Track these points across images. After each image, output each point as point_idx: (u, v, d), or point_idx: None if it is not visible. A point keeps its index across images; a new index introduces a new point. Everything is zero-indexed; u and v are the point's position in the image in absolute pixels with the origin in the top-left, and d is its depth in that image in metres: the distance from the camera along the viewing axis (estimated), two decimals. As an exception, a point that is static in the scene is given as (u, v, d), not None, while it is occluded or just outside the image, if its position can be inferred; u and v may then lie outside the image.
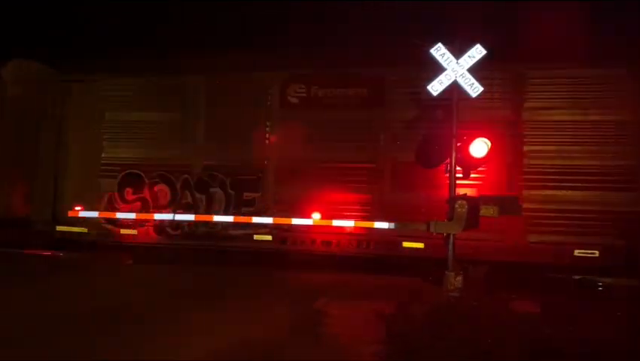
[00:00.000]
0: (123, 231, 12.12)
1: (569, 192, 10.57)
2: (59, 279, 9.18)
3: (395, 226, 9.89)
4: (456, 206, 8.59)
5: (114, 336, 5.89)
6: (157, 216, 11.76)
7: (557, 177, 10.65)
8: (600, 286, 9.69)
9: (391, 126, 11.55)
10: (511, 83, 11.11)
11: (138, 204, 12.22)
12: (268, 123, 12.07)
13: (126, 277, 10.00)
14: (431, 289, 8.51)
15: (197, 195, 11.98)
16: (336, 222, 10.50)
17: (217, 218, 11.27)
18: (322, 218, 10.48)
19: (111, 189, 12.43)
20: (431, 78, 8.81)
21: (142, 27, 11.95)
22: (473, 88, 8.74)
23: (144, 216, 11.87)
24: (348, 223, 10.52)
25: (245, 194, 11.78)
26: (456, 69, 8.76)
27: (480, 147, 8.89)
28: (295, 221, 10.77)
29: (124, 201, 12.29)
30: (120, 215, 11.86)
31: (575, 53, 9.89)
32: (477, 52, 8.75)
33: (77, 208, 11.63)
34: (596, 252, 10.13)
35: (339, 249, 11.10)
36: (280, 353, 5.61)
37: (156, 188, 12.21)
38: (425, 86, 8.90)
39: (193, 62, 11.80)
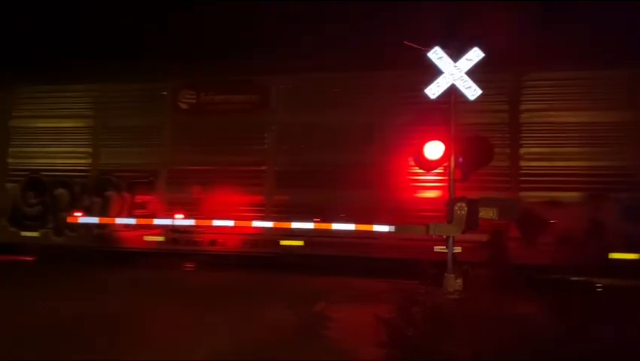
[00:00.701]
0: (24, 233, 12.60)
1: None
2: None
3: (395, 228, 9.92)
4: (456, 208, 8.62)
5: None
6: (157, 222, 11.75)
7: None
8: (599, 287, 9.73)
9: (277, 130, 11.96)
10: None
11: (40, 207, 12.73)
12: (161, 129, 12.50)
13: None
14: (431, 292, 8.52)
15: (94, 199, 12.33)
16: (335, 225, 10.57)
17: (216, 223, 11.23)
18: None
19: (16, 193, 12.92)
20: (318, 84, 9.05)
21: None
22: (472, 91, 8.77)
23: (144, 221, 11.86)
24: (349, 226, 10.53)
25: (139, 197, 12.18)
26: (454, 72, 8.80)
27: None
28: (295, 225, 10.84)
29: (27, 204, 12.76)
30: (119, 220, 11.86)
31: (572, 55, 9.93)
32: (475, 55, 8.79)
33: (77, 214, 11.64)
34: None
35: (225, 248, 11.60)
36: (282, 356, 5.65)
37: (56, 192, 12.58)
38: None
39: (89, 69, 12.14)
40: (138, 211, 12.06)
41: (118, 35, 12.23)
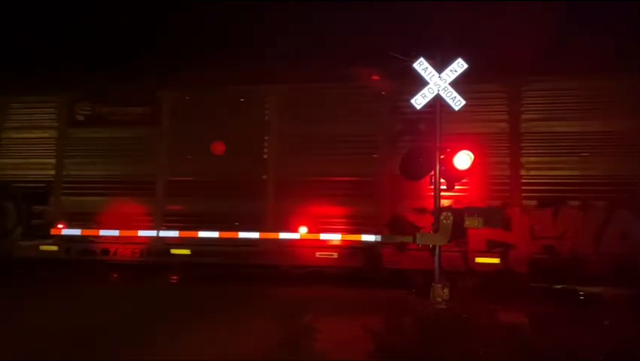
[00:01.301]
0: None
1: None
2: None
3: (382, 238, 9.95)
4: (442, 218, 8.69)
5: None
6: (141, 233, 11.60)
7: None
8: (581, 295, 9.83)
9: (168, 142, 12.13)
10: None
11: None
12: (58, 141, 12.58)
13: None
14: (418, 302, 8.54)
15: None
16: (323, 235, 10.57)
17: (201, 234, 11.14)
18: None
19: None
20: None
21: None
22: (456, 101, 8.88)
23: (127, 233, 11.70)
24: (335, 236, 10.53)
25: (35, 207, 12.17)
26: (439, 83, 8.90)
27: (463, 160, 8.99)
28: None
29: None
30: (103, 232, 11.68)
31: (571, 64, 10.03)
32: (459, 66, 8.92)
33: (60, 226, 11.46)
34: None
35: (116, 258, 11.76)
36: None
37: None
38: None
39: None
40: (34, 221, 12.08)
41: (14, 46, 12.52)
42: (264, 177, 11.52)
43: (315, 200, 11.03)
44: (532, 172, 10.57)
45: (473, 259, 10.30)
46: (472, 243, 10.14)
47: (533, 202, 10.39)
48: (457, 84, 8.97)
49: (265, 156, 11.64)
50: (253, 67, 11.23)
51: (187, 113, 12.12)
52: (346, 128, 11.20)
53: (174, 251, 11.48)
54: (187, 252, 11.42)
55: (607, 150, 10.34)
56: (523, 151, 10.68)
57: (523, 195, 10.50)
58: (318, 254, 10.73)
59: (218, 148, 11.45)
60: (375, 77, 10.71)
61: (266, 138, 11.70)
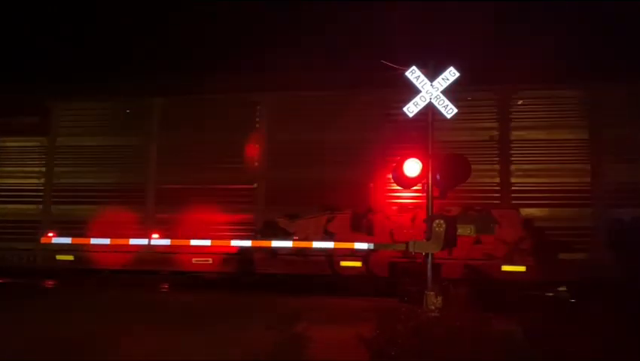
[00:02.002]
0: None
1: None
2: None
3: (375, 246, 9.94)
4: (434, 225, 8.68)
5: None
6: (133, 242, 11.50)
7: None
8: (573, 301, 9.88)
9: (59, 153, 12.70)
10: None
11: None
12: None
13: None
14: (411, 310, 8.52)
15: None
16: (316, 244, 10.55)
17: (193, 243, 11.05)
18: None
19: None
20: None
21: None
22: (447, 109, 8.92)
23: (118, 241, 11.60)
24: (328, 245, 10.52)
25: None
26: (430, 91, 8.94)
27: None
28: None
29: None
30: (94, 240, 11.57)
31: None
32: (451, 74, 8.96)
33: (50, 235, 11.34)
34: None
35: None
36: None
37: None
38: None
39: None
40: None
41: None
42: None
43: (194, 207, 11.48)
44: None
45: (339, 263, 10.80)
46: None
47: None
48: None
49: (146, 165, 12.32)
50: (140, 79, 12.08)
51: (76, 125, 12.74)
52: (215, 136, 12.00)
53: (59, 257, 11.88)
54: (70, 258, 11.85)
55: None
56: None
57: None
58: (194, 260, 11.25)
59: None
60: None
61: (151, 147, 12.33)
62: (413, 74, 9.03)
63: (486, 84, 11.10)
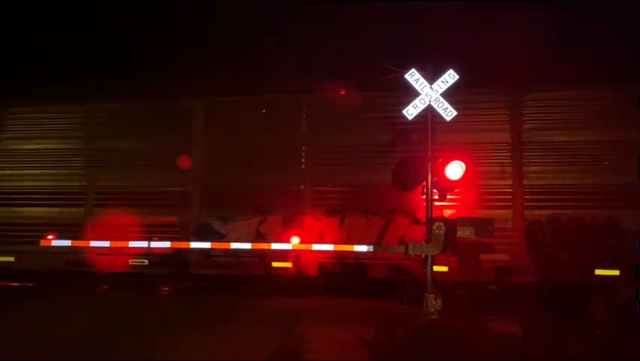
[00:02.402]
0: None
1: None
2: None
3: (374, 248, 9.91)
4: (434, 228, 8.67)
5: None
6: (132, 244, 11.49)
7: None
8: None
9: None
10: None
11: None
12: None
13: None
14: (411, 312, 8.52)
15: None
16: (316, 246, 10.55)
17: (193, 245, 11.05)
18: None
19: None
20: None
21: None
22: (447, 112, 8.93)
23: (117, 244, 11.59)
24: (328, 247, 10.50)
25: None
26: (430, 94, 8.96)
27: (454, 170, 9.00)
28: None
29: None
30: (93, 243, 11.56)
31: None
32: (450, 77, 8.98)
33: (50, 237, 11.33)
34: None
35: None
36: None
37: None
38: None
39: None
40: None
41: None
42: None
43: (129, 209, 11.47)
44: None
45: (271, 264, 10.94)
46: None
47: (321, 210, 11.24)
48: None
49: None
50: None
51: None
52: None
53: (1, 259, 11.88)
54: (11, 259, 11.88)
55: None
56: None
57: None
58: (131, 261, 11.34)
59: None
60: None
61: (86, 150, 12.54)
62: (413, 77, 9.05)
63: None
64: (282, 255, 10.84)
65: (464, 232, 8.91)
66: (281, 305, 9.54)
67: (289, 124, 11.92)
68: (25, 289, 11.51)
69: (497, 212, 10.67)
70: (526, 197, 10.98)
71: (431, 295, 8.48)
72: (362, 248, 10.02)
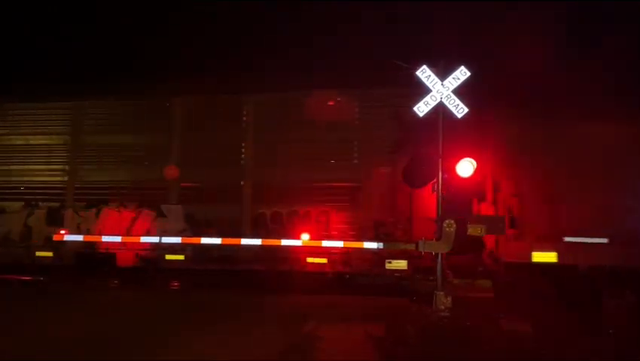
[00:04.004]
0: None
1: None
2: None
3: (384, 245, 9.92)
4: (444, 225, 8.64)
5: None
6: (143, 239, 11.58)
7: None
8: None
9: None
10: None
11: None
12: None
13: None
14: (421, 310, 8.51)
15: None
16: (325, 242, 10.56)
17: (204, 240, 11.10)
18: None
19: None
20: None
21: None
22: (459, 109, 8.87)
23: (129, 239, 11.69)
24: (338, 244, 10.50)
25: None
26: (441, 91, 8.91)
27: (465, 167, 8.96)
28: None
29: None
30: (105, 238, 11.67)
31: None
32: (462, 73, 8.92)
33: (62, 232, 11.46)
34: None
35: None
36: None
37: None
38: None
39: None
40: None
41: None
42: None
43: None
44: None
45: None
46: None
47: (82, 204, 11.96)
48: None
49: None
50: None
51: None
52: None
53: None
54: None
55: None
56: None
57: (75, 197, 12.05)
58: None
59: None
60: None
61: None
62: (424, 74, 9.00)
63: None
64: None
65: (475, 230, 8.88)
66: (293, 301, 9.54)
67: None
68: (40, 284, 11.62)
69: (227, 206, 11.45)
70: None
71: (442, 293, 8.46)
72: (372, 245, 10.06)
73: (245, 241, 10.75)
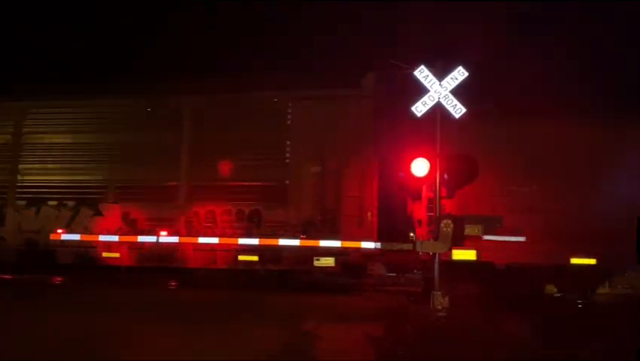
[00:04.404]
0: None
1: None
2: None
3: (382, 245, 9.97)
4: (442, 225, 8.70)
5: None
6: (141, 239, 11.56)
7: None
8: (579, 304, 9.86)
9: None
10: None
11: None
12: None
13: None
14: (419, 310, 8.55)
15: None
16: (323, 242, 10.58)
17: (201, 240, 11.11)
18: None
19: None
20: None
21: None
22: (456, 109, 8.91)
23: (126, 238, 11.66)
24: (336, 244, 10.53)
25: None
26: (439, 91, 8.94)
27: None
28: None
29: None
30: (102, 238, 11.64)
31: None
32: (460, 74, 8.96)
33: (59, 231, 11.45)
34: None
35: None
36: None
37: None
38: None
39: None
40: None
41: None
42: None
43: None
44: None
45: None
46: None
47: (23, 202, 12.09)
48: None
49: None
50: None
51: None
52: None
53: None
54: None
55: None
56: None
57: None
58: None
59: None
60: None
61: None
62: (422, 74, 9.04)
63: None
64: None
65: (472, 230, 8.96)
66: (293, 301, 9.53)
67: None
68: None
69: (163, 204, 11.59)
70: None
71: (439, 293, 8.53)
72: (369, 245, 10.10)
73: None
